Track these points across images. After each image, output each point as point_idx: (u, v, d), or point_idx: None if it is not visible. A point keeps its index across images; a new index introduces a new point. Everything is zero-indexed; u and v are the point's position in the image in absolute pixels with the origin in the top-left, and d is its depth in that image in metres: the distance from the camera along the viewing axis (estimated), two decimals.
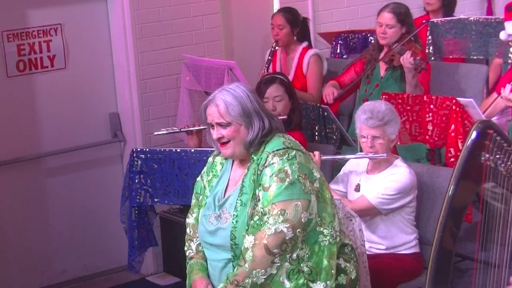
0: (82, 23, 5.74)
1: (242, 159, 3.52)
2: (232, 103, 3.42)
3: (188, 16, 5.96)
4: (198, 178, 3.69)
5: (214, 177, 3.60)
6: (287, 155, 3.38)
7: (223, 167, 3.60)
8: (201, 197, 3.63)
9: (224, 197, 3.53)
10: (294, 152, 3.40)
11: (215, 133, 3.47)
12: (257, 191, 3.39)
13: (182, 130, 5.15)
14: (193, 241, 3.65)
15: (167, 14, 5.87)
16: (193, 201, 3.68)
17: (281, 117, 4.87)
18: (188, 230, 3.68)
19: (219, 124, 3.45)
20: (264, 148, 3.44)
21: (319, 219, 3.38)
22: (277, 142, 3.44)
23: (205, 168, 3.68)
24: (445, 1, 6.55)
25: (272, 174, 3.35)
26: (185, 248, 3.68)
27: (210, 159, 3.68)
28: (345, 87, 5.72)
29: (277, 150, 3.40)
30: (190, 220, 3.68)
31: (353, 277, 3.50)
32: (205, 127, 3.60)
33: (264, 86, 4.94)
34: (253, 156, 3.46)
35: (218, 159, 3.63)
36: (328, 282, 3.37)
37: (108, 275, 5.96)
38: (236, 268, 3.37)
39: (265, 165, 3.38)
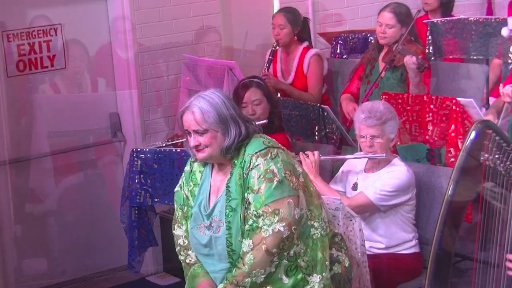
0: (82, 23, 5.74)
1: (221, 164, 3.51)
2: (208, 110, 3.40)
3: (188, 16, 5.96)
4: (177, 188, 3.64)
5: (195, 186, 3.57)
6: (270, 155, 3.39)
7: (203, 174, 3.57)
8: (185, 208, 3.59)
9: (209, 205, 3.50)
10: (275, 150, 3.42)
11: (192, 140, 3.45)
12: (246, 194, 3.38)
13: (167, 143, 5.12)
14: (190, 249, 3.60)
15: (167, 14, 5.86)
16: (178, 213, 3.62)
17: (262, 122, 4.85)
18: (181, 241, 3.62)
19: (196, 132, 3.43)
20: (245, 151, 3.43)
21: (308, 212, 3.41)
22: (257, 143, 3.43)
23: (183, 178, 3.63)
24: (443, 0, 6.54)
25: (260, 176, 3.35)
26: (182, 258, 3.62)
27: (187, 168, 3.63)
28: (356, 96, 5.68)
29: (259, 151, 3.40)
30: (180, 232, 3.62)
31: (347, 264, 3.53)
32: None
33: (241, 90, 4.90)
34: (234, 160, 3.45)
35: (196, 167, 3.59)
36: (323, 273, 3.40)
37: (108, 275, 5.95)
38: (234, 270, 3.37)
39: (250, 167, 3.38)
